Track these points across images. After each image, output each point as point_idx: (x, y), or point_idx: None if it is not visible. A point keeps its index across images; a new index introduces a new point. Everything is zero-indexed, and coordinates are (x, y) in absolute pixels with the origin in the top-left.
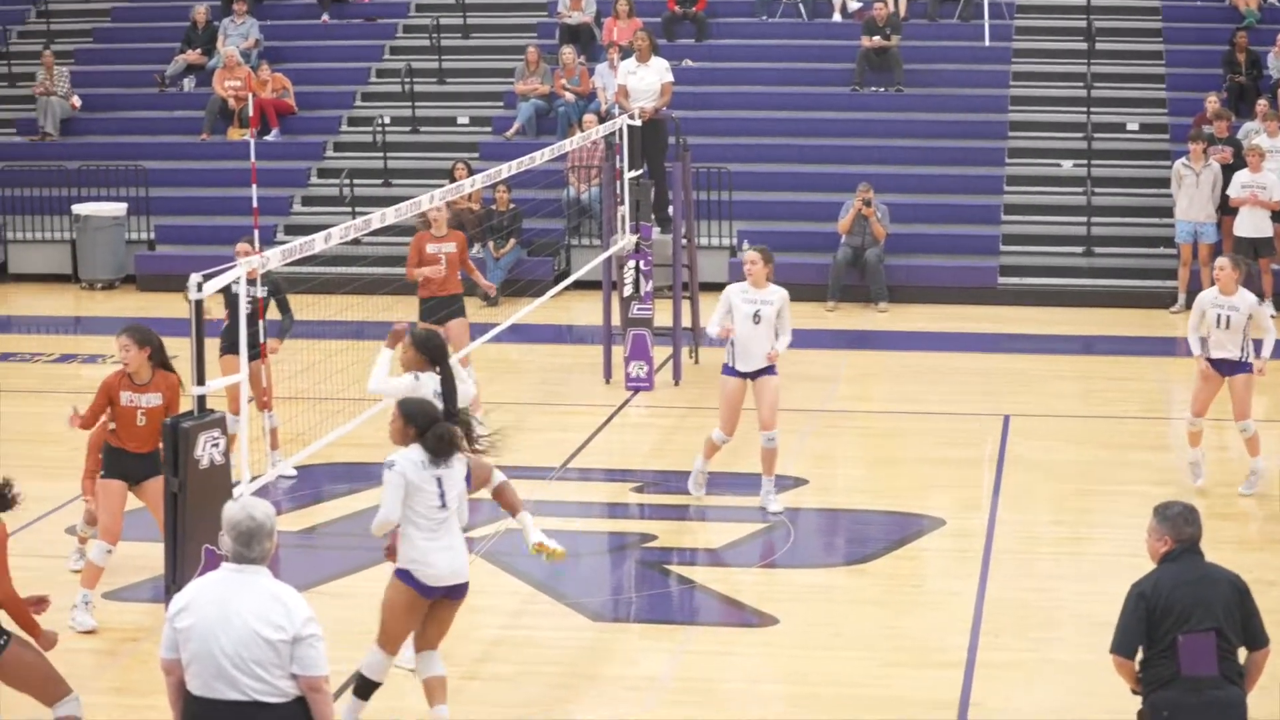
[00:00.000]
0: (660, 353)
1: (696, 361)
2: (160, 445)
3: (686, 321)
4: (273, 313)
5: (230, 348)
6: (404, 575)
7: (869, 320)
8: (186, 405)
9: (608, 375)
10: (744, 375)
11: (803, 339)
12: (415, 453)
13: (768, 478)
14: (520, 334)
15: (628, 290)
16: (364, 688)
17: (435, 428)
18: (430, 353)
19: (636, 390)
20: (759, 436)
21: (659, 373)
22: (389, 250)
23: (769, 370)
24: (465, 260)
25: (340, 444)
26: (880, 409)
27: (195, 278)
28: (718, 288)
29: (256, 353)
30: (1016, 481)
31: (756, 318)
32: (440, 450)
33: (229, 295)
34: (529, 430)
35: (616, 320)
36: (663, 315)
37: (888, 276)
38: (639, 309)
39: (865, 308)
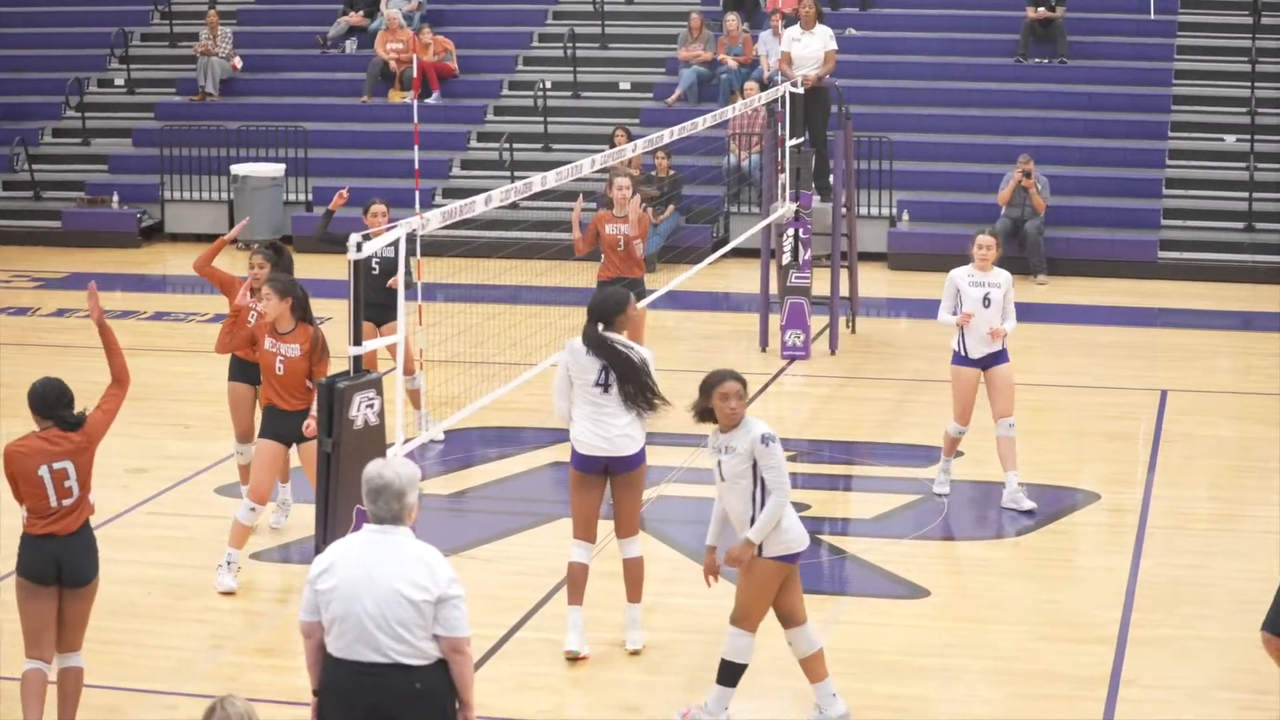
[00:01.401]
0: (817, 322)
1: (853, 331)
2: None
3: (844, 290)
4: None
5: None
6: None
7: (1027, 292)
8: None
9: (764, 343)
10: (976, 363)
11: None
12: None
13: (1012, 472)
14: (677, 301)
15: (786, 258)
16: (728, 673)
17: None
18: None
19: (792, 359)
20: (995, 425)
21: (815, 342)
22: (547, 215)
23: (1002, 357)
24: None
25: (492, 408)
26: (1037, 382)
27: (355, 238)
28: (877, 258)
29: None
30: (1172, 457)
31: (986, 301)
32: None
33: (371, 261)
34: (683, 397)
35: (774, 288)
36: (820, 284)
37: (1047, 249)
38: (797, 277)
39: (1024, 280)
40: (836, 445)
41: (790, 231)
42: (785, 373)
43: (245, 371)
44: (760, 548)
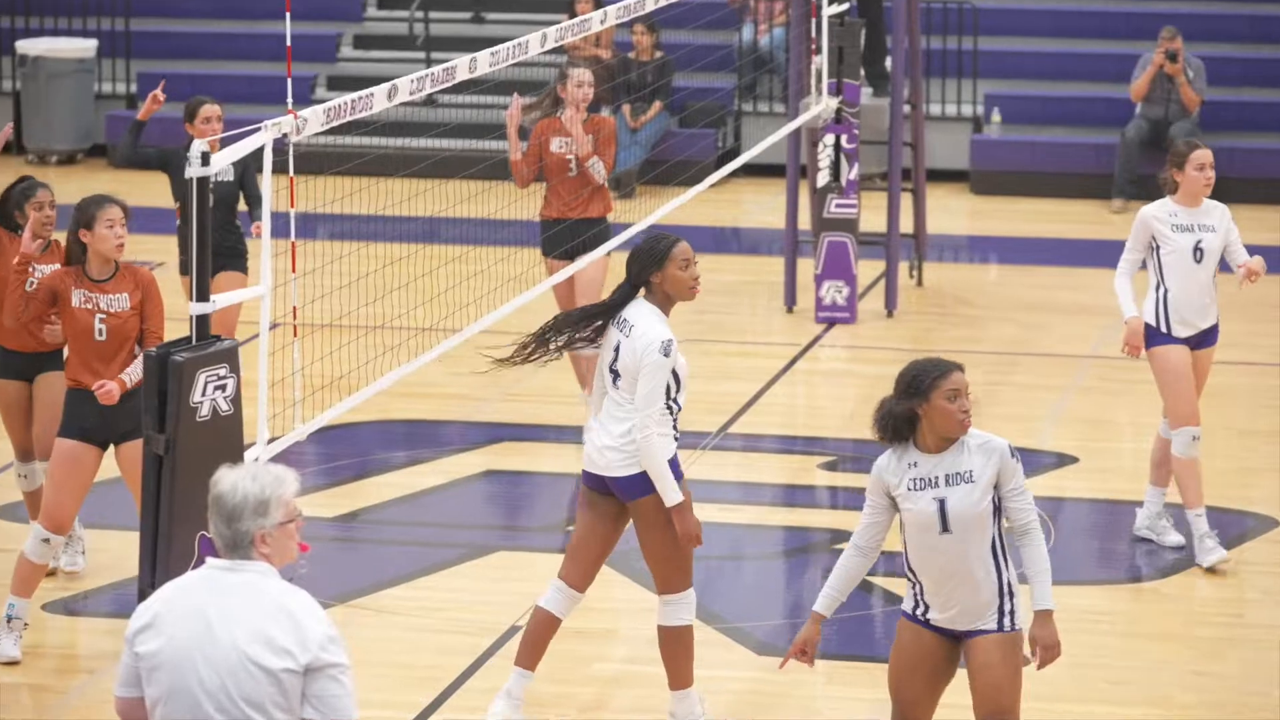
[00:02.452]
0: (868, 270)
1: (919, 283)
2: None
3: (907, 226)
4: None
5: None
6: None
7: None
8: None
9: (790, 301)
10: (1185, 342)
11: (1075, 253)
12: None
13: (1194, 511)
14: None
15: (823, 179)
16: None
17: None
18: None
19: (831, 323)
20: (1170, 434)
21: (864, 299)
22: (478, 115)
23: (1211, 337)
24: (605, 153)
25: (398, 393)
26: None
27: (199, 145)
28: (955, 177)
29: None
30: None
31: (1198, 253)
32: None
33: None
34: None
35: (805, 222)
36: (873, 216)
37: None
38: (838, 206)
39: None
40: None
41: (829, 139)
42: (821, 343)
43: (13, 364)
44: (1013, 618)
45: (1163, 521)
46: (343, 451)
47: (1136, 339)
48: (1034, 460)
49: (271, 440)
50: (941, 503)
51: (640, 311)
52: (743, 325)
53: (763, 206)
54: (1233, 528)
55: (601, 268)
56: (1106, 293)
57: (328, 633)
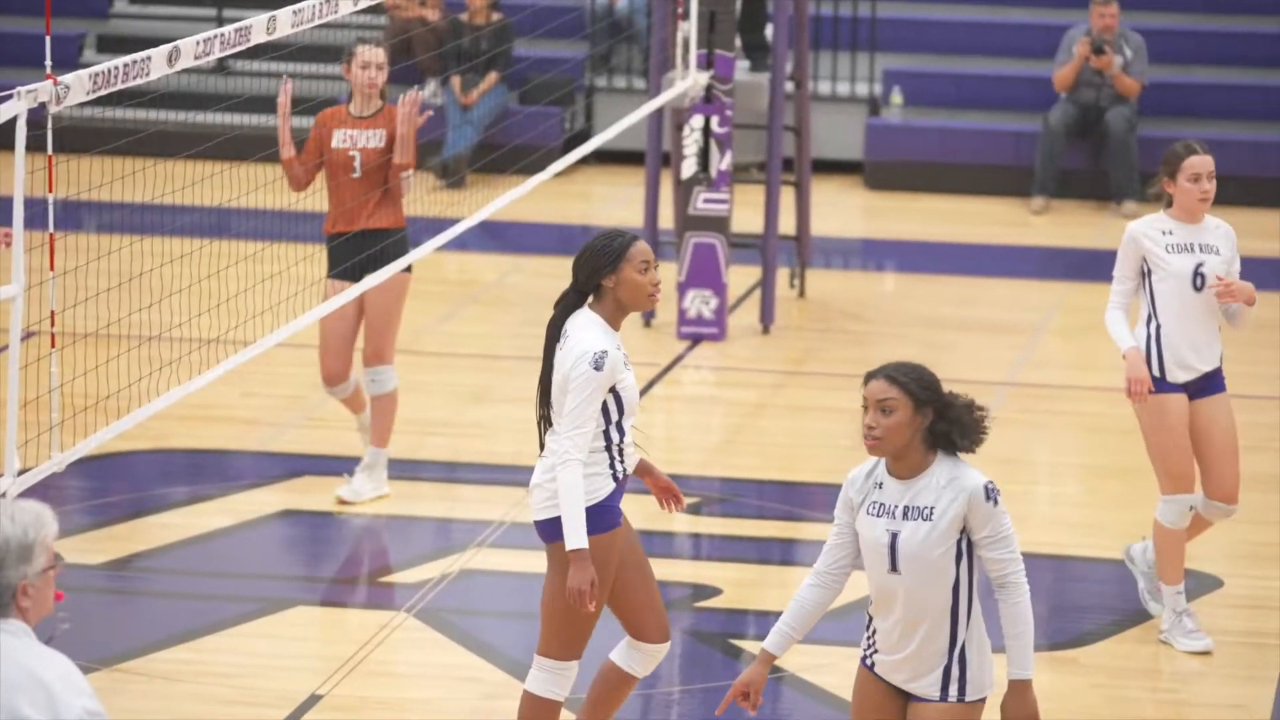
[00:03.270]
0: (741, 278)
1: (801, 294)
2: None
3: (788, 226)
4: None
5: None
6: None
7: (1104, 231)
8: None
9: (648, 314)
10: (1183, 389)
11: (988, 260)
12: None
13: (1174, 587)
14: (500, 237)
15: (689, 169)
16: None
17: None
18: None
19: (696, 340)
20: (1162, 500)
21: (736, 312)
22: (277, 87)
23: (1216, 382)
24: (407, 142)
25: (179, 415)
26: (1109, 384)
27: None
28: (846, 168)
29: None
30: None
31: (1199, 279)
32: None
33: None
34: (507, 403)
35: (667, 220)
36: (748, 214)
37: (1142, 156)
38: (707, 201)
39: (1100, 209)
40: (770, 489)
41: (697, 122)
42: (684, 363)
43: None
44: (962, 688)
45: (1186, 620)
46: (111, 486)
47: (1142, 372)
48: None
49: (23, 472)
50: (894, 536)
51: (580, 320)
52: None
53: (617, 200)
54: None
55: (396, 289)
56: (1022, 308)
57: (88, 706)
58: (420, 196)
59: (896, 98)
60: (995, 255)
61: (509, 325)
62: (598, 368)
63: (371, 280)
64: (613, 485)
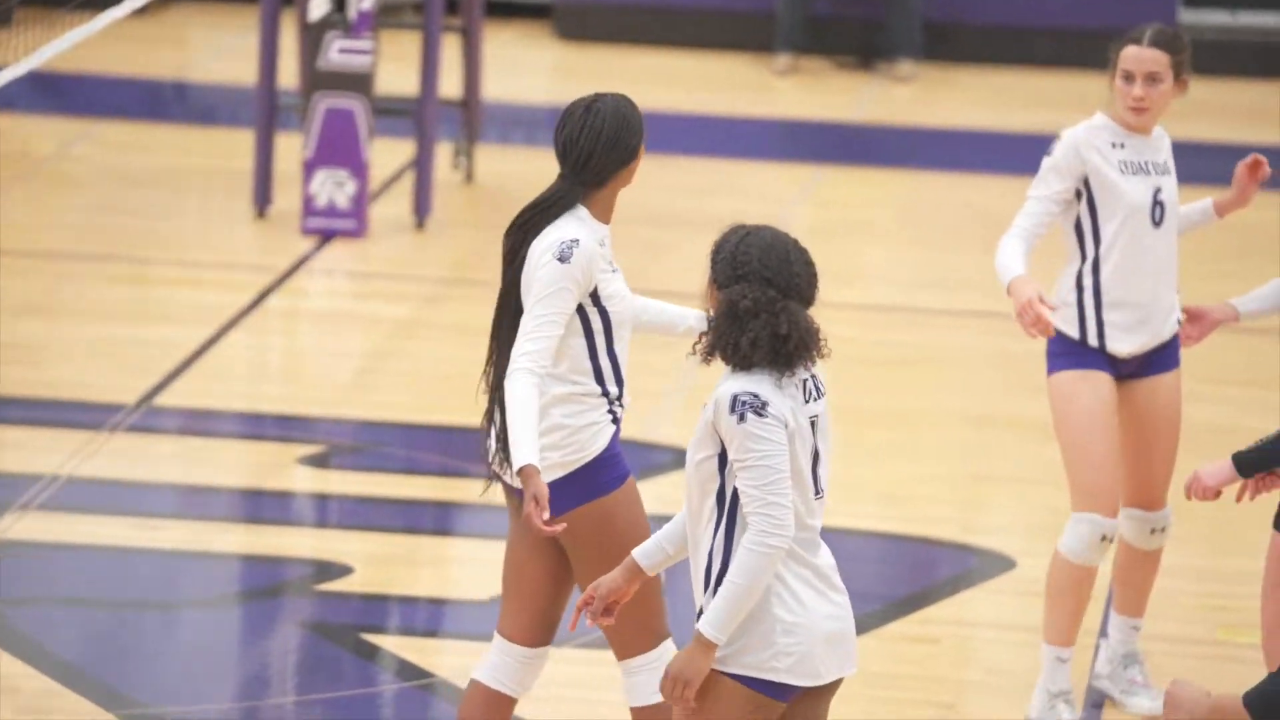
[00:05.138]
0: (388, 155)
1: (469, 178)
2: None
3: (451, 88)
4: None
5: None
6: None
7: (870, 100)
8: None
9: (262, 201)
10: (1119, 367)
11: (719, 136)
12: None
13: (1129, 619)
14: (62, 94)
15: (319, 7)
16: None
17: None
18: None
19: (328, 235)
20: (1130, 517)
21: (381, 200)
22: None
23: (1167, 355)
24: None
25: None
26: (871, 300)
27: None
28: (530, 11)
29: None
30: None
31: (1158, 210)
32: None
33: None
34: (70, 316)
35: (289, 77)
36: (398, 70)
37: (927, 7)
38: (343, 52)
39: (863, 70)
40: (422, 434)
41: None
42: (310, 266)
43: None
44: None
45: (1133, 671)
46: None
47: (1028, 298)
48: (646, 458)
49: None
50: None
51: (565, 220)
52: (185, 236)
53: (221, 49)
54: (944, 567)
55: None
56: (764, 198)
57: None
58: None
59: None
60: (725, 130)
61: (75, 213)
62: (563, 259)
63: None
64: (612, 429)
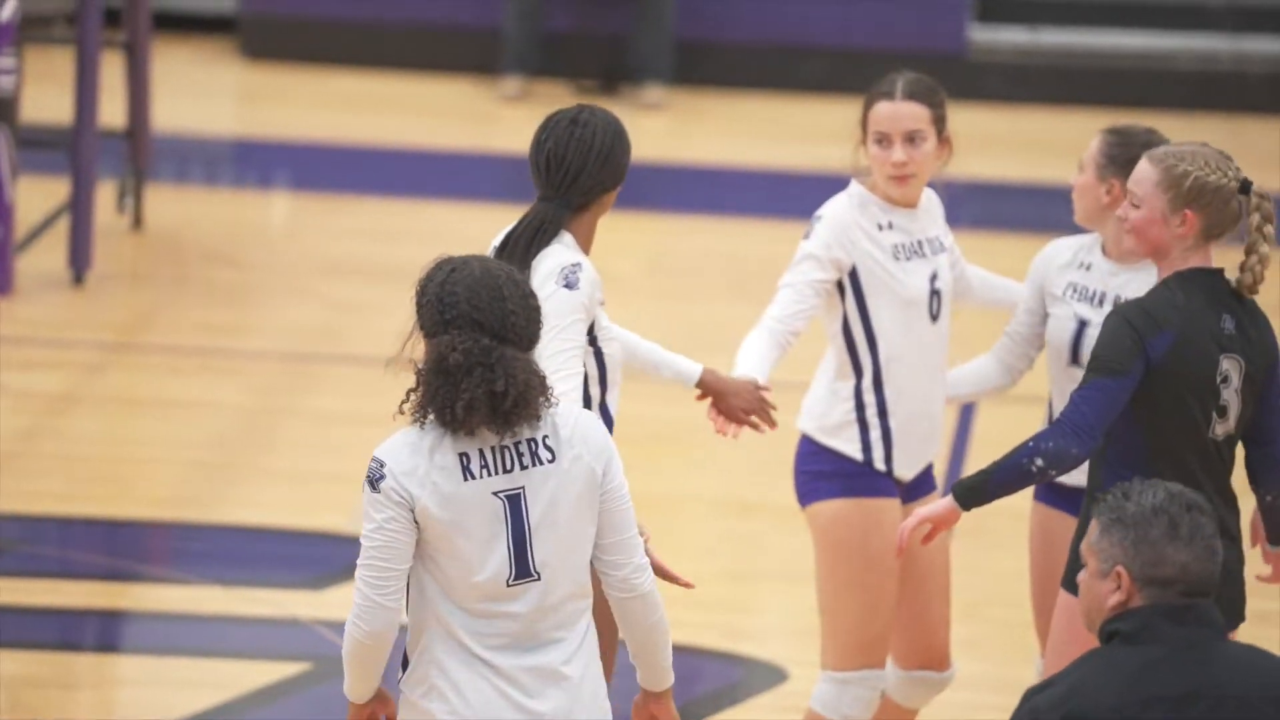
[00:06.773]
0: (37, 196)
1: (137, 223)
2: None
3: (113, 115)
4: None
5: None
6: None
7: (635, 122)
8: None
9: None
10: (899, 489)
11: (434, 173)
12: None
13: None
14: None
15: None
16: None
17: None
18: None
19: None
20: (916, 681)
21: (31, 250)
22: None
23: (928, 478)
24: None
25: None
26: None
27: None
28: (211, 25)
29: None
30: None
31: (935, 300)
32: None
33: None
34: None
35: None
36: (47, 93)
37: (684, 14)
38: None
39: (606, 95)
40: (79, 530)
41: None
42: None
43: None
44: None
45: None
46: None
47: (729, 391)
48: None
49: None
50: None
51: (556, 247)
52: None
53: None
54: (710, 679)
55: None
56: (478, 244)
57: None
58: None
59: None
60: (440, 166)
61: None
62: (570, 285)
63: None
64: None
